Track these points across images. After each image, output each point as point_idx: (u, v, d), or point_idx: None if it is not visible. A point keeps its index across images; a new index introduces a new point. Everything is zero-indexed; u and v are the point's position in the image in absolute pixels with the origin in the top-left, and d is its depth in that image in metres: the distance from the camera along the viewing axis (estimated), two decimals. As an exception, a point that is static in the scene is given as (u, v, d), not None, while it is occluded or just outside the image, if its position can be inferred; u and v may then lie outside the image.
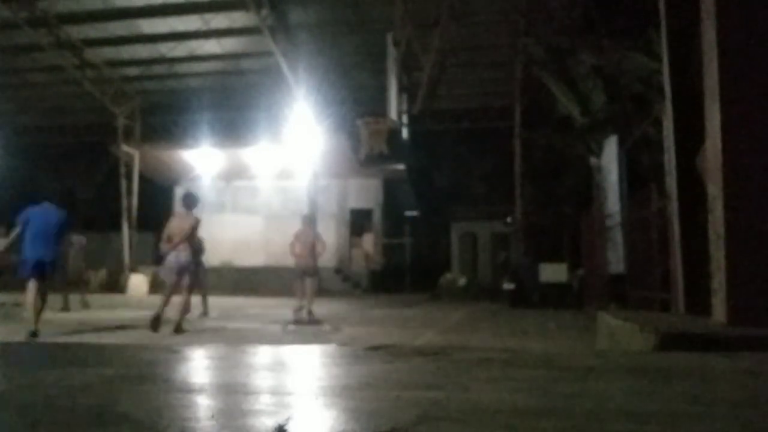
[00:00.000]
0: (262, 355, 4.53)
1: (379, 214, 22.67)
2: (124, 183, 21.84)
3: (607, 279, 12.42)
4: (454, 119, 22.79)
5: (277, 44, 17.58)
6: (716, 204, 4.72)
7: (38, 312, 7.01)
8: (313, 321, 10.20)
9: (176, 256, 7.91)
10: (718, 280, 4.68)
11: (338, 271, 21.34)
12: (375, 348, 4.33)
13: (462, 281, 20.30)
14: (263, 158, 20.76)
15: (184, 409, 2.32)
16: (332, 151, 19.58)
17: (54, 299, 11.49)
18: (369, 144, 16.55)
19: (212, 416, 2.22)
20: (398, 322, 10.65)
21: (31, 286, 7.05)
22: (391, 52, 16.92)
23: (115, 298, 18.12)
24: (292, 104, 18.73)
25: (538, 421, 2.11)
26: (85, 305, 11.99)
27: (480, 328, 9.86)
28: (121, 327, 8.64)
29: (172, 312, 7.82)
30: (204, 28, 17.86)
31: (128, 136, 21.86)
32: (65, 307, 11.76)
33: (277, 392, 2.78)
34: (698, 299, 5.42)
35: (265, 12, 16.89)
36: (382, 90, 17.71)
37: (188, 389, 2.73)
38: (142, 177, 22.19)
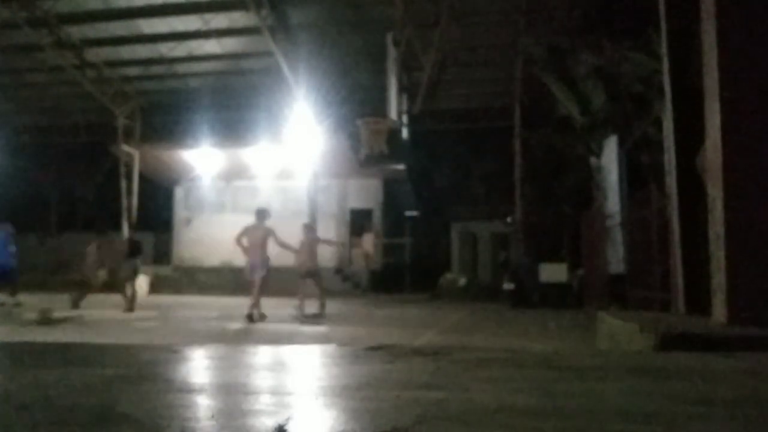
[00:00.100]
0: (262, 355, 4.53)
1: (379, 214, 22.67)
2: (124, 183, 21.83)
3: (607, 279, 12.42)
4: (454, 119, 22.78)
5: (277, 44, 17.58)
6: (716, 204, 4.72)
7: None
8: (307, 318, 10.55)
9: (252, 261, 9.93)
10: (718, 280, 4.68)
11: (338, 271, 21.34)
12: (375, 348, 4.33)
13: (462, 281, 20.30)
14: (263, 158, 20.76)
15: (184, 409, 2.32)
16: (332, 151, 19.58)
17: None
18: (369, 144, 16.54)
19: (212, 416, 2.22)
20: (398, 322, 10.66)
21: None
22: (391, 52, 16.91)
23: (115, 298, 18.08)
24: (292, 104, 18.72)
25: (538, 421, 2.11)
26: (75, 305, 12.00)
27: (480, 328, 9.86)
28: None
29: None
30: (204, 28, 17.85)
31: (128, 136, 21.86)
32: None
33: (277, 392, 2.78)
34: (698, 299, 5.43)
35: (265, 12, 16.89)
36: (382, 90, 17.70)
37: (188, 389, 2.72)
38: (142, 177, 22.19)
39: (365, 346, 4.62)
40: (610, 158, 13.13)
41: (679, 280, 5.98)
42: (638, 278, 10.08)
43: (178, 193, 23.61)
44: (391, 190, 22.50)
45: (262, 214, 10.95)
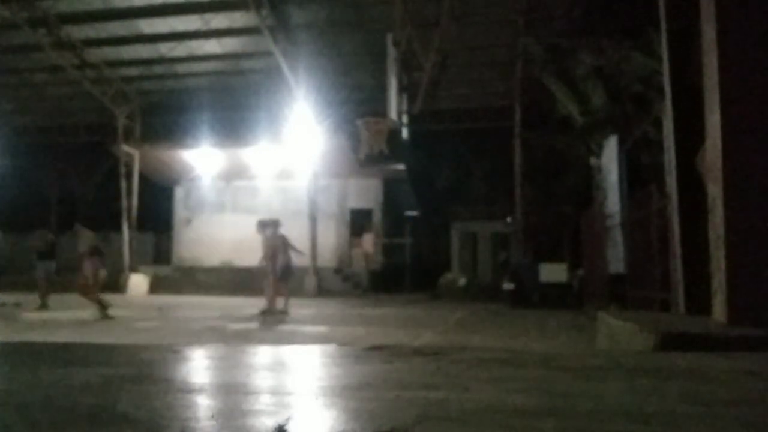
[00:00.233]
0: (262, 355, 4.53)
1: (379, 214, 22.67)
2: (124, 183, 21.83)
3: (607, 279, 12.41)
4: (454, 119, 22.78)
5: (277, 44, 17.58)
6: (716, 204, 4.72)
7: None
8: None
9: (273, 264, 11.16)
10: (718, 280, 4.68)
11: (338, 271, 21.35)
12: (375, 348, 4.33)
13: (462, 281, 20.30)
14: (263, 158, 20.77)
15: (184, 409, 2.32)
16: (332, 151, 19.58)
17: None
18: (369, 144, 16.53)
19: (212, 416, 2.22)
20: (398, 322, 10.66)
21: None
22: (391, 52, 16.90)
23: (115, 298, 18.09)
24: (292, 104, 18.73)
25: (538, 421, 2.11)
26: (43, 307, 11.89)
27: (480, 328, 9.86)
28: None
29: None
30: (204, 28, 17.86)
31: (128, 136, 21.86)
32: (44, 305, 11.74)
33: (277, 392, 2.78)
34: (698, 299, 5.42)
35: (265, 12, 16.89)
36: (382, 90, 17.70)
37: (188, 389, 2.72)
38: (142, 177, 22.19)
39: (365, 346, 4.62)
40: (610, 158, 13.12)
41: (679, 280, 5.98)
42: (638, 278, 10.07)
43: (178, 193, 23.61)
44: (391, 190, 22.50)
45: (273, 224, 11.91)
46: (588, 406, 2.36)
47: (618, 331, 5.10)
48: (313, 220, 19.60)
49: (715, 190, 4.76)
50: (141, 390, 2.68)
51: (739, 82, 4.68)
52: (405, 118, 17.69)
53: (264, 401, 2.54)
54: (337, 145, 19.49)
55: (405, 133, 17.59)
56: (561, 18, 15.80)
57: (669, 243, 7.03)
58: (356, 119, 17.50)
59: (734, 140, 4.61)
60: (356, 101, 20.17)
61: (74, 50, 19.00)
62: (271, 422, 2.05)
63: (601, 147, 14.20)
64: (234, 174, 22.05)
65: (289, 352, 4.66)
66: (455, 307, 14.75)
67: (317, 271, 19.50)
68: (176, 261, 22.82)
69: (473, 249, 24.43)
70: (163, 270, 22.25)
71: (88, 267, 10.62)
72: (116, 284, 20.73)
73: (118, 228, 22.07)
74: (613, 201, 12.56)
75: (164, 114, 22.35)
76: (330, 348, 4.70)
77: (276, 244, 11.55)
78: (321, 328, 9.34)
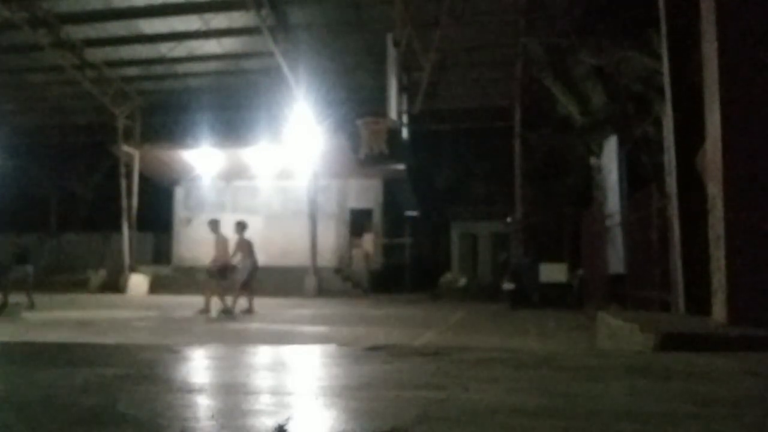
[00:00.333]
0: (262, 355, 4.53)
1: (379, 214, 22.67)
2: (124, 183, 21.83)
3: (607, 279, 12.42)
4: (454, 119, 22.78)
5: (277, 44, 17.58)
6: (716, 204, 4.72)
7: None
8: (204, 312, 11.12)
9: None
10: (718, 280, 4.68)
11: (338, 271, 21.35)
12: (375, 348, 4.33)
13: (462, 281, 20.30)
14: (263, 158, 20.77)
15: (184, 409, 2.32)
16: (332, 151, 19.58)
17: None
18: (369, 144, 16.52)
19: (212, 416, 2.22)
20: (398, 322, 10.66)
21: None
22: (391, 52, 16.90)
23: (115, 298, 18.13)
24: (292, 104, 18.73)
25: (538, 421, 2.11)
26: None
27: (480, 328, 9.86)
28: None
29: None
30: (204, 28, 17.85)
31: (128, 136, 21.86)
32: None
33: (277, 392, 2.78)
34: (698, 299, 5.42)
35: (265, 12, 16.89)
36: (382, 90, 17.69)
37: (188, 389, 2.72)
38: (142, 177, 22.19)
39: (365, 346, 4.62)
40: (610, 158, 13.12)
41: (679, 280, 5.98)
42: (638, 278, 10.07)
43: (178, 193, 23.61)
44: (391, 190, 22.50)
45: (214, 224, 11.97)
46: (588, 406, 2.36)
47: (618, 331, 5.10)
48: (313, 220, 19.61)
49: (715, 190, 4.76)
50: (141, 390, 2.68)
51: (739, 82, 4.68)
52: (405, 118, 17.70)
53: (264, 401, 2.54)
54: (337, 145, 19.49)
55: (405, 133, 17.60)
56: (561, 18, 15.79)
57: (669, 243, 7.03)
58: (356, 119, 17.50)
59: (734, 140, 4.61)
60: (356, 101, 20.17)
61: (74, 50, 19.00)
62: (271, 422, 2.05)
63: (601, 147, 14.21)
64: (234, 174, 22.05)
65: (289, 352, 4.66)
66: (455, 307, 14.75)
67: (317, 271, 19.50)
68: (176, 261, 22.83)
69: (473, 249, 24.43)
70: (163, 270, 22.25)
71: None
72: (116, 284, 20.76)
73: (118, 228, 22.07)
74: (613, 201, 12.56)
75: (164, 114, 22.35)
76: (330, 348, 4.70)
77: (243, 246, 11.62)
78: (321, 328, 9.34)
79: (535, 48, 16.82)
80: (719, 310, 4.67)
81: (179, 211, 23.42)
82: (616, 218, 12.06)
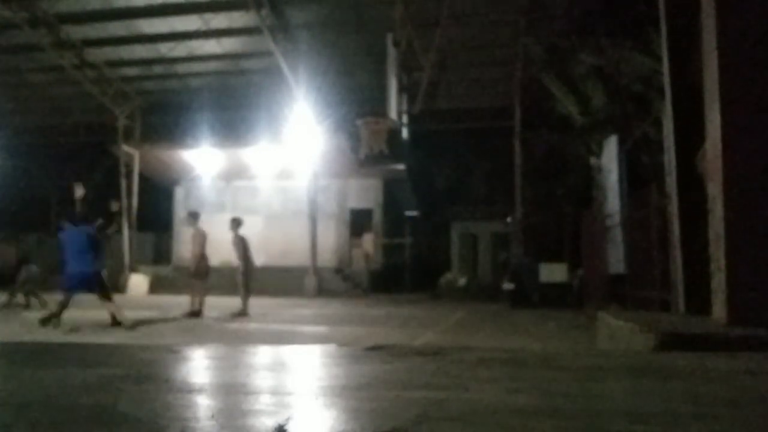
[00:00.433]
0: (262, 355, 4.53)
1: (379, 214, 22.67)
2: (124, 183, 21.82)
3: (607, 279, 12.41)
4: (454, 119, 22.77)
5: (277, 44, 17.58)
6: (716, 204, 4.72)
7: None
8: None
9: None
10: (718, 280, 4.68)
11: (338, 271, 21.35)
12: (375, 348, 4.33)
13: (462, 281, 20.30)
14: (263, 158, 20.76)
15: (184, 409, 2.32)
16: (332, 151, 19.58)
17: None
18: (369, 144, 16.53)
19: (212, 416, 2.22)
20: (398, 322, 10.65)
21: None
22: (391, 52, 16.90)
23: (115, 298, 18.08)
24: (292, 104, 18.72)
25: (538, 421, 2.11)
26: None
27: (480, 328, 9.86)
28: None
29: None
30: (204, 28, 17.85)
31: (128, 136, 21.86)
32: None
33: (277, 392, 2.78)
34: (698, 299, 5.42)
35: (265, 12, 16.89)
36: (382, 90, 17.69)
37: (188, 389, 2.72)
38: (142, 177, 22.19)
39: (365, 346, 4.62)
40: (610, 158, 13.12)
41: (679, 280, 5.98)
42: (638, 278, 10.07)
43: (178, 193, 23.61)
44: (391, 190, 22.50)
45: (194, 217, 11.76)
46: (588, 406, 2.36)
47: (618, 331, 5.10)
48: (313, 220, 19.60)
49: (715, 190, 4.76)
50: (141, 390, 2.68)
51: (739, 82, 4.68)
52: (405, 118, 17.71)
53: (264, 401, 2.54)
54: (337, 145, 19.49)
55: (405, 133, 17.61)
56: (561, 18, 15.80)
57: (669, 243, 7.03)
58: (356, 119, 17.51)
59: (734, 140, 4.61)
60: (356, 101, 20.17)
61: (74, 50, 19.00)
62: (271, 422, 2.05)
63: (601, 147, 14.20)
64: (234, 174, 22.04)
65: (289, 352, 4.66)
66: (455, 307, 14.75)
67: (317, 271, 19.50)
68: (176, 261, 22.81)
69: (473, 249, 24.43)
70: (163, 270, 22.25)
71: None
72: (116, 284, 20.76)
73: (118, 228, 22.06)
74: (613, 201, 12.56)
75: (164, 114, 22.34)
76: (330, 348, 4.70)
77: (238, 244, 11.55)
78: (321, 328, 9.34)
79: (535, 48, 16.82)
80: (719, 310, 4.67)
81: (179, 211, 23.41)
82: (616, 218, 12.05)
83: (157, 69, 20.79)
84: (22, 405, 2.36)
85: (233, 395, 2.63)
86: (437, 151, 24.00)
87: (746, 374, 3.17)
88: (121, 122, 21.56)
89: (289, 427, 2.00)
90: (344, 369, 3.42)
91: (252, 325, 9.73)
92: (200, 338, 7.58)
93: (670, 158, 6.28)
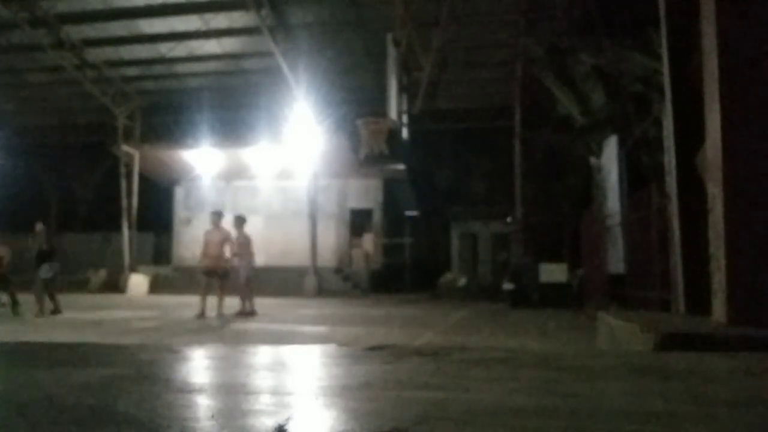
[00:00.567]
0: (262, 355, 4.53)
1: (379, 214, 22.67)
2: (124, 183, 21.84)
3: (607, 279, 12.41)
4: (454, 119, 22.78)
5: (277, 44, 17.59)
6: (716, 204, 4.72)
7: None
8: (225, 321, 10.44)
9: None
10: (718, 280, 4.68)
11: (338, 271, 21.35)
12: (375, 348, 4.33)
13: (462, 281, 20.29)
14: (263, 158, 20.77)
15: (184, 409, 2.32)
16: (332, 151, 19.58)
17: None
18: (369, 144, 16.53)
19: (212, 416, 2.22)
20: (398, 322, 10.65)
21: None
22: (391, 52, 16.90)
23: (115, 298, 18.12)
24: (292, 104, 18.73)
25: (538, 421, 2.11)
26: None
27: (480, 328, 9.86)
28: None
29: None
30: (204, 28, 17.86)
31: (128, 136, 21.87)
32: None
33: (277, 392, 2.79)
34: (698, 299, 5.42)
35: (265, 12, 16.89)
36: (382, 90, 17.70)
37: (188, 389, 2.72)
38: (142, 177, 22.19)
39: (365, 346, 4.62)
40: (610, 158, 13.13)
41: (679, 280, 5.98)
42: (638, 278, 10.07)
43: (178, 193, 23.61)
44: (391, 190, 22.49)
45: (218, 217, 11.43)
46: (588, 406, 2.36)
47: (618, 331, 5.10)
48: (313, 220, 19.60)
49: (715, 190, 4.76)
50: (141, 390, 2.68)
51: (739, 82, 4.68)
52: (405, 118, 17.70)
53: (264, 401, 2.54)
54: (337, 145, 19.49)
55: (405, 133, 17.61)
56: (561, 18, 15.79)
57: (669, 243, 7.03)
58: (356, 119, 17.51)
59: (734, 140, 4.61)
60: (356, 101, 20.17)
61: (74, 50, 19.00)
62: (271, 422, 2.05)
63: (601, 147, 14.21)
64: (234, 174, 22.05)
65: (289, 352, 4.66)
66: (455, 307, 14.75)
67: (317, 271, 19.50)
68: (176, 261, 22.82)
69: (473, 249, 24.42)
70: (163, 270, 22.25)
71: None
72: (116, 284, 20.77)
73: (118, 228, 22.07)
74: (613, 201, 12.57)
75: (164, 114, 22.35)
76: (330, 348, 4.70)
77: (242, 242, 11.32)
78: (321, 328, 9.34)
79: (535, 48, 16.81)
80: (719, 310, 4.67)
81: (179, 211, 23.42)
82: (616, 218, 12.05)
83: (157, 69, 20.80)
84: (22, 405, 2.36)
85: (233, 395, 2.63)
86: (437, 151, 23.99)
87: (746, 374, 3.17)
88: (121, 122, 21.57)
89: (289, 427, 2.00)
90: (344, 369, 3.42)
91: (252, 325, 9.73)
92: (200, 338, 7.58)
93: (670, 158, 6.28)
